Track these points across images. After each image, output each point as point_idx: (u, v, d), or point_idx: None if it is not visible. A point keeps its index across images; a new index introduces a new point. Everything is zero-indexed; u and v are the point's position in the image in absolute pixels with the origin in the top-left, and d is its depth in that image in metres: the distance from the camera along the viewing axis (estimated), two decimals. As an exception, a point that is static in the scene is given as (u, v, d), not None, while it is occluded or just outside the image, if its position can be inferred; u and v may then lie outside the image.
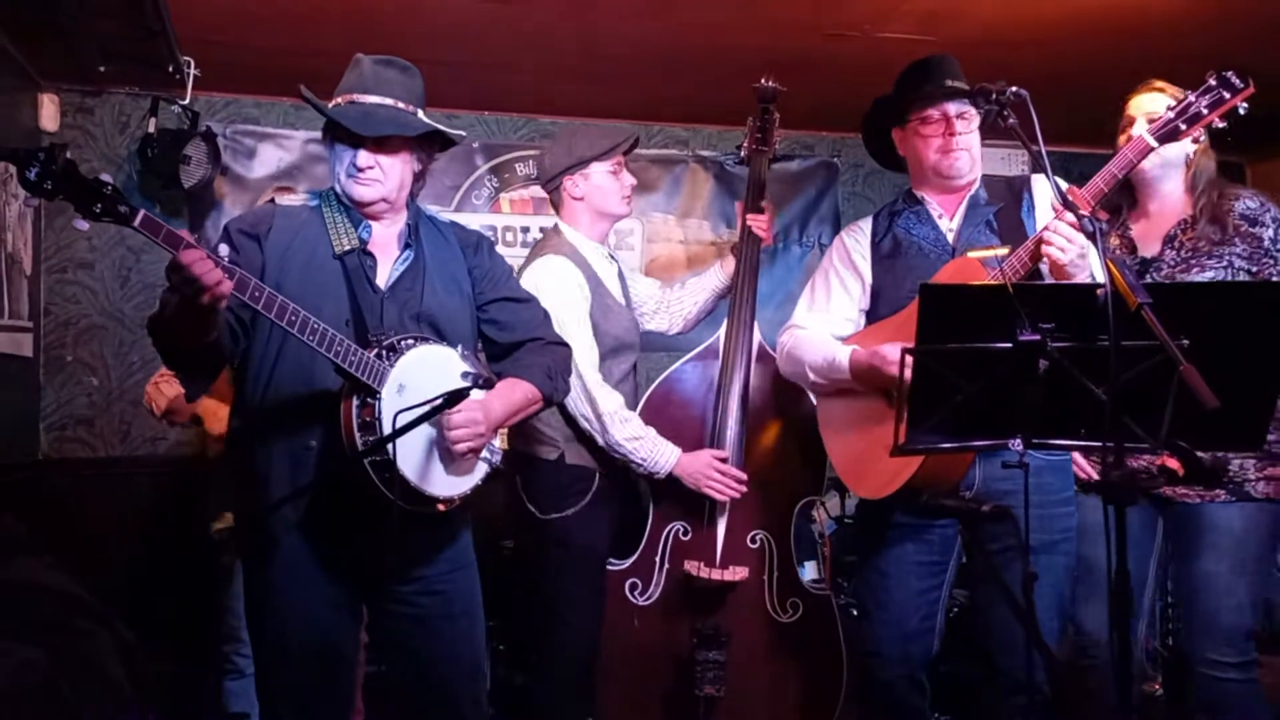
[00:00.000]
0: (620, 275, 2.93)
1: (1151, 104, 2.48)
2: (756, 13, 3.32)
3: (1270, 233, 2.42)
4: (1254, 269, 2.42)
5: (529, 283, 2.65)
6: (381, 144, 2.04)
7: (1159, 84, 2.52)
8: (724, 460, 2.75)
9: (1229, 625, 2.44)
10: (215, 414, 2.96)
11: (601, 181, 2.79)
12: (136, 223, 1.69)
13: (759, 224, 2.95)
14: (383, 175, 2.06)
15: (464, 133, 2.27)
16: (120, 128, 4.04)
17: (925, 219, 2.48)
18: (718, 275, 3.03)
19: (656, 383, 2.90)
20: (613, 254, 2.96)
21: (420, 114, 2.10)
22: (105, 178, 1.68)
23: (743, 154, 3.09)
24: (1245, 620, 2.46)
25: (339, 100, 2.08)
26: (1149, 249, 2.52)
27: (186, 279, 1.70)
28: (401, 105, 2.08)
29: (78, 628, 0.68)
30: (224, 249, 1.85)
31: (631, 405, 2.77)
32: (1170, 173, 2.50)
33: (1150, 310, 1.63)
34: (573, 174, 2.79)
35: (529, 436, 2.74)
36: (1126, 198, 2.59)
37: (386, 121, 2.04)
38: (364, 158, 2.03)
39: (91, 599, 0.73)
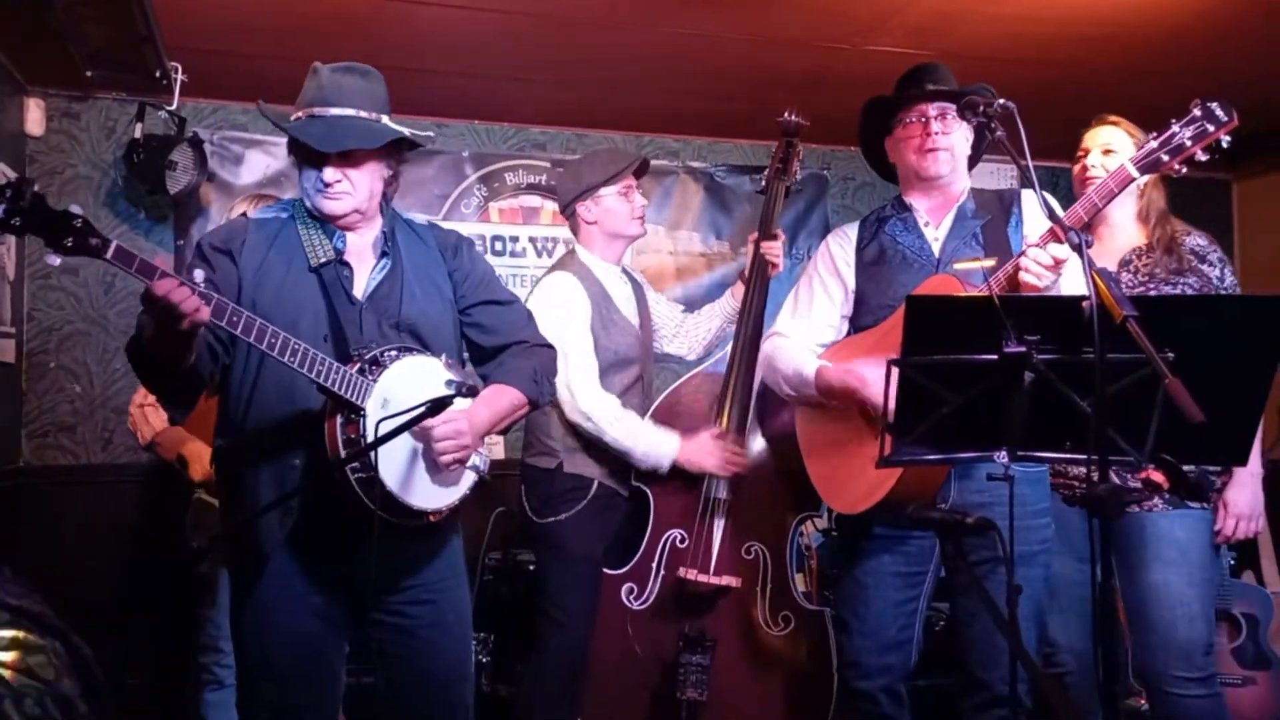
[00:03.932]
0: (638, 296, 3.00)
1: (1106, 137, 2.64)
2: (747, 26, 3.33)
3: (1217, 271, 2.59)
4: None
5: (536, 298, 2.78)
6: (347, 156, 2.00)
7: (1113, 118, 2.67)
8: (720, 437, 2.81)
9: (1186, 639, 2.45)
10: (200, 458, 2.91)
11: (612, 205, 2.89)
12: (109, 255, 1.68)
13: (773, 251, 2.98)
14: (352, 188, 2.02)
15: (431, 134, 2.23)
16: (106, 133, 4.01)
17: (912, 227, 2.48)
18: (729, 302, 3.11)
19: (662, 396, 2.96)
20: (632, 275, 3.06)
21: (385, 119, 2.05)
22: (75, 209, 1.65)
23: (762, 181, 3.13)
24: (1201, 633, 2.47)
25: (300, 114, 2.02)
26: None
27: (164, 309, 1.69)
28: (364, 114, 2.02)
29: (29, 642, 0.66)
30: (199, 273, 1.81)
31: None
32: (1122, 200, 2.54)
33: (1136, 323, 1.62)
34: (584, 200, 2.89)
35: (532, 447, 2.84)
36: None
37: (348, 134, 1.99)
38: (330, 173, 1.99)
39: (46, 611, 0.71)
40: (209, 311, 1.74)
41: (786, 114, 3.07)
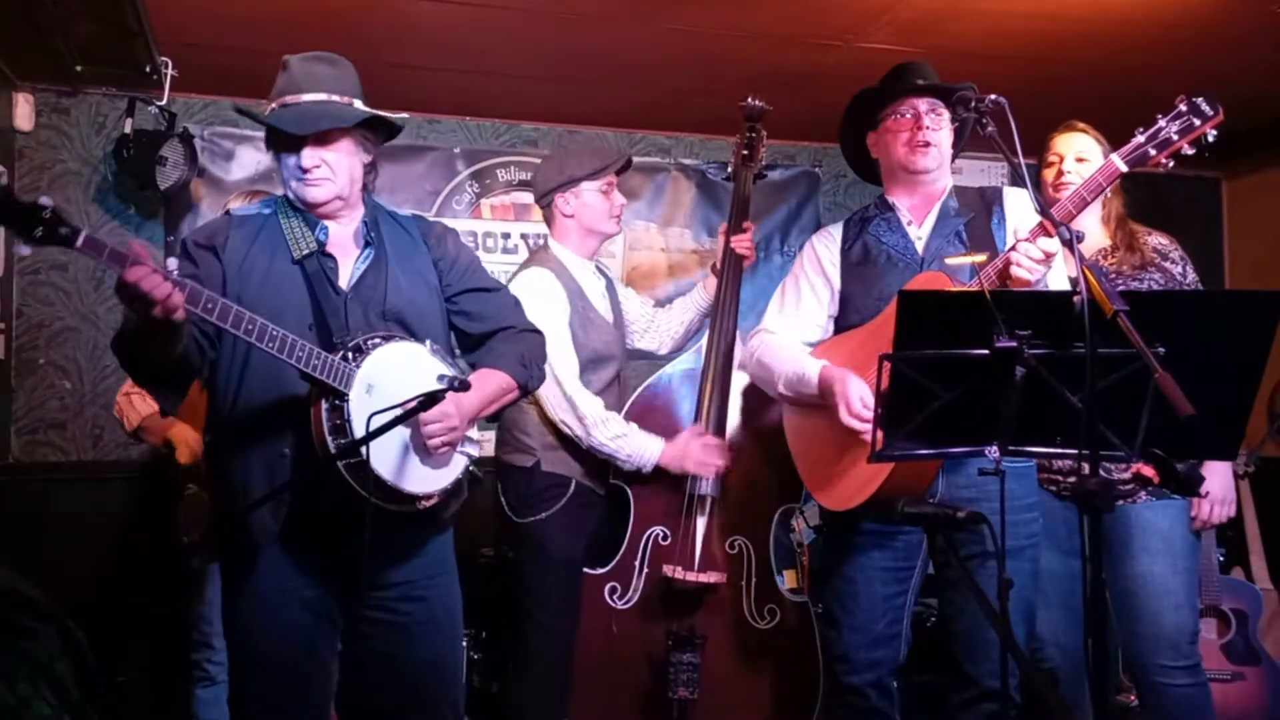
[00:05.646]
0: (610, 291, 2.97)
1: (1081, 144, 2.70)
2: (739, 22, 3.33)
3: (1179, 269, 2.66)
4: None
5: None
6: (322, 140, 2.02)
7: (1081, 125, 2.73)
8: (701, 436, 2.80)
9: (1172, 627, 2.51)
10: (185, 441, 2.92)
11: (591, 200, 2.85)
12: (79, 244, 1.67)
13: (742, 243, 2.98)
14: (331, 173, 2.04)
15: (406, 115, 2.24)
16: (96, 128, 3.99)
17: (895, 226, 2.48)
18: (701, 295, 3.09)
19: (638, 391, 2.94)
20: (603, 269, 3.02)
21: (357, 103, 2.07)
22: (45, 200, 1.66)
23: (729, 170, 3.12)
24: (1187, 621, 2.54)
25: (273, 106, 2.06)
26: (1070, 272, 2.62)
27: (135, 295, 1.69)
28: (336, 98, 2.04)
29: (22, 626, 0.66)
30: (172, 263, 1.84)
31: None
32: (1089, 206, 2.58)
33: (1126, 318, 1.63)
34: (564, 192, 2.85)
35: (508, 445, 2.80)
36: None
37: (321, 116, 2.01)
38: (308, 157, 2.01)
39: (39, 596, 0.70)
40: (182, 298, 1.74)
41: (749, 99, 3.06)
